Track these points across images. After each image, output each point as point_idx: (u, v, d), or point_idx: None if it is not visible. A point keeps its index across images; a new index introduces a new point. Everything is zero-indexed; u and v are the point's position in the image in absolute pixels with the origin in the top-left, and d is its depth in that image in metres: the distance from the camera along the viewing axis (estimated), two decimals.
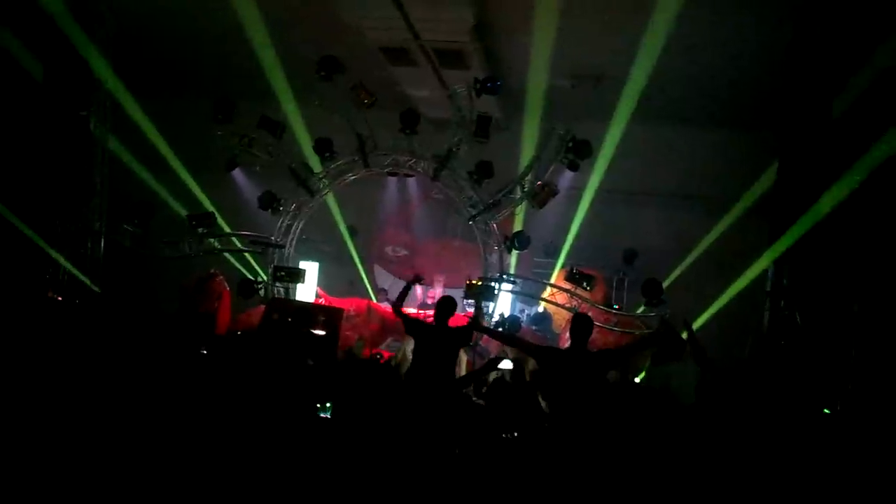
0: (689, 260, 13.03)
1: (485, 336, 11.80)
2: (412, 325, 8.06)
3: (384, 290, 15.18)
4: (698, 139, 14.47)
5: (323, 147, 12.60)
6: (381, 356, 10.42)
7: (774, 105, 10.42)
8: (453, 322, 8.20)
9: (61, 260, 12.04)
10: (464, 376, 8.10)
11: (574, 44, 11.20)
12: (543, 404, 7.20)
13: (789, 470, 5.90)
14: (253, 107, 12.73)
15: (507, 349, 8.67)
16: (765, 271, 10.94)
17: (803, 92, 10.05)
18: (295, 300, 12.30)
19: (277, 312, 10.50)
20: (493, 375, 8.38)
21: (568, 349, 7.04)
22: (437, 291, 14.26)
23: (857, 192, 9.73)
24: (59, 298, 11.85)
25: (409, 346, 8.35)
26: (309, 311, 10.45)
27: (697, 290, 12.20)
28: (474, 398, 8.18)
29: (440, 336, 7.87)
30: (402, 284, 15.00)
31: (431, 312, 10.59)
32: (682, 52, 10.95)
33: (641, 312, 11.82)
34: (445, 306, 8.04)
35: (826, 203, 9.89)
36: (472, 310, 10.38)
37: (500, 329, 11.62)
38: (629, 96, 11.90)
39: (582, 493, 5.25)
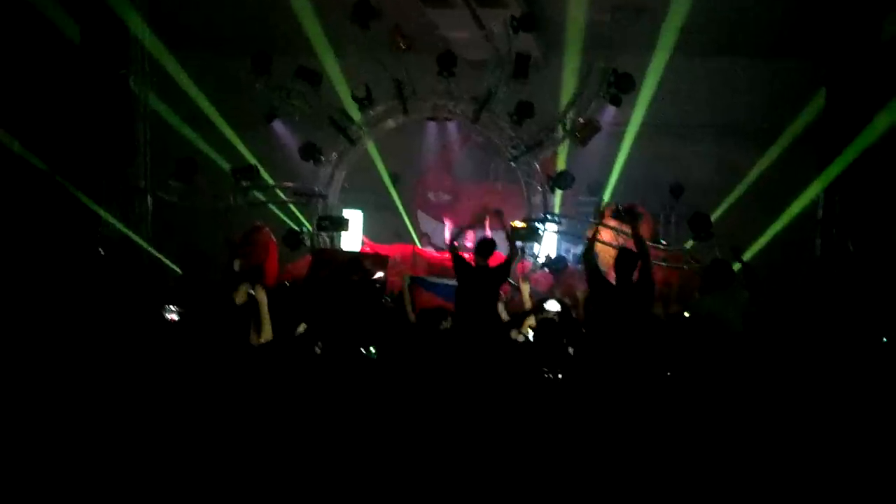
0: (737, 192, 12.80)
1: (532, 275, 11.82)
2: (458, 266, 8.13)
3: (427, 235, 15.21)
4: (743, 69, 14.11)
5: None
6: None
7: (821, 31, 10.10)
8: (493, 262, 8.30)
9: (109, 217, 12.20)
10: (511, 317, 8.13)
11: None
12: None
13: (848, 404, 5.80)
14: (290, 59, 12.71)
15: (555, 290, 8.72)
16: (815, 200, 10.75)
17: (850, 15, 9.72)
18: (340, 249, 12.36)
19: (323, 263, 10.56)
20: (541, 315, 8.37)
21: (615, 284, 7.05)
22: (487, 234, 14.15)
23: None
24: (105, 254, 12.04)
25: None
26: (354, 260, 10.47)
27: (746, 222, 12.01)
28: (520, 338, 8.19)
29: (481, 276, 8.00)
30: (443, 229, 15.22)
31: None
32: None
33: (690, 247, 11.67)
34: (485, 247, 8.15)
35: (877, 127, 9.62)
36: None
37: (551, 269, 11.65)
38: (671, 28, 11.64)
39: (624, 431, 5.23)
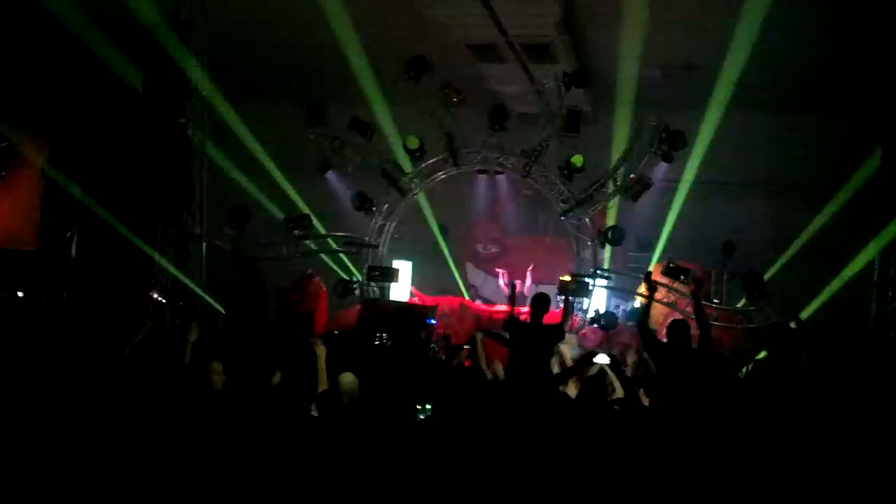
0: (790, 251, 12.60)
1: (581, 330, 11.73)
2: (510, 323, 8.10)
3: (474, 287, 15.23)
4: (796, 126, 13.94)
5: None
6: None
7: (875, 89, 9.99)
8: (548, 318, 8.25)
9: (164, 263, 12.41)
10: (560, 372, 8.04)
11: (664, 33, 10.95)
12: (645, 400, 7.09)
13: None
14: (344, 109, 12.98)
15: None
16: (870, 262, 10.56)
17: None
18: (389, 300, 12.43)
19: (372, 313, 10.63)
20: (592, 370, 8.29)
21: (671, 349, 6.99)
22: (527, 285, 14.09)
23: None
24: (163, 300, 12.24)
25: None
26: (404, 310, 10.52)
27: (800, 282, 11.81)
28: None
29: (535, 333, 7.93)
30: (492, 281, 15.21)
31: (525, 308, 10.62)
32: (777, 39, 10.56)
33: (743, 306, 11.51)
34: (540, 303, 8.07)
35: None
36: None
37: (601, 325, 11.58)
38: (723, 84, 11.58)
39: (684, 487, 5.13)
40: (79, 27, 11.56)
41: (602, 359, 8.11)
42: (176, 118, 11.91)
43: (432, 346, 10.63)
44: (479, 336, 8.58)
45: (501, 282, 14.33)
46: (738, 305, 11.66)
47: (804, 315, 10.76)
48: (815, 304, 11.04)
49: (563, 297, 11.65)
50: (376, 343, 9.96)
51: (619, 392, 7.35)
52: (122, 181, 12.81)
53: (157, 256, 12.51)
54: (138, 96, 12.17)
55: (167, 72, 11.78)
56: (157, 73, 11.88)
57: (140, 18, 11.30)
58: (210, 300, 12.34)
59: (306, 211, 13.10)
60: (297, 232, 12.73)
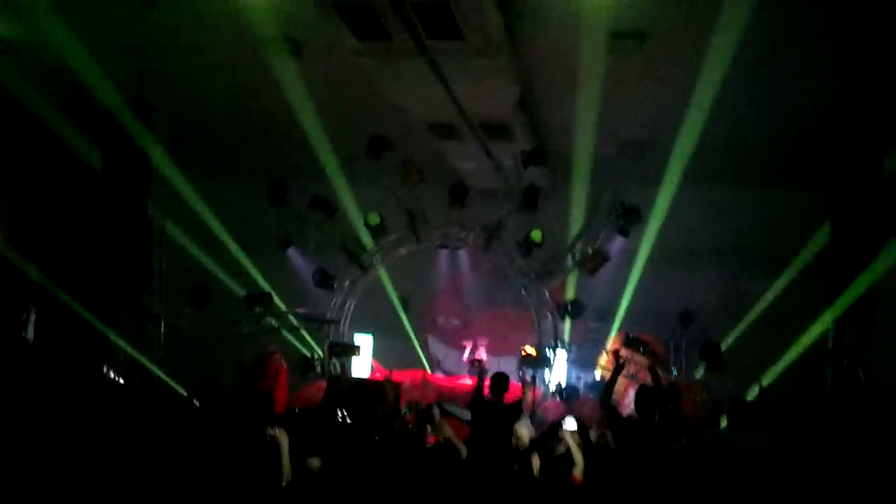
0: (747, 321, 12.82)
1: (543, 404, 11.77)
2: (476, 401, 8.17)
3: (437, 360, 15.25)
4: (750, 198, 14.34)
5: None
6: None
7: (825, 163, 10.31)
8: (510, 393, 8.34)
9: (121, 343, 12.28)
10: (529, 445, 8.10)
11: (618, 112, 11.24)
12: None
13: None
14: (305, 186, 13.06)
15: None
16: (826, 330, 10.76)
17: (852, 150, 9.92)
18: (352, 377, 12.39)
19: (336, 389, 10.58)
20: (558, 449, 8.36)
21: (637, 421, 7.08)
22: (483, 355, 14.13)
23: None
24: (120, 380, 12.07)
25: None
26: (365, 388, 10.48)
27: (756, 351, 11.99)
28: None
29: (496, 412, 8.02)
30: (455, 354, 15.22)
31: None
32: (729, 115, 10.91)
33: (701, 377, 11.64)
34: (500, 382, 8.19)
35: (881, 264, 9.71)
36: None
37: (562, 397, 11.66)
38: (677, 160, 11.89)
39: None
40: (37, 106, 11.59)
41: (570, 424, 8.21)
42: (137, 198, 11.90)
43: (404, 411, 10.57)
44: (436, 412, 8.63)
45: (466, 353, 14.30)
46: (697, 376, 11.77)
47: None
48: (771, 374, 11.22)
49: (522, 372, 11.79)
50: (339, 420, 9.90)
51: (580, 464, 7.43)
52: (80, 261, 12.73)
53: (112, 335, 12.40)
54: (97, 175, 12.17)
55: (127, 151, 11.80)
56: (118, 152, 11.90)
57: (100, 99, 11.36)
58: (167, 380, 12.21)
59: (267, 288, 13.07)
60: (258, 309, 12.68)
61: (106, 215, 11.91)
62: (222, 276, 13.55)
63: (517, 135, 12.07)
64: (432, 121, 11.93)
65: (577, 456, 7.79)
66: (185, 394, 11.99)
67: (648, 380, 11.21)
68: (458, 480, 6.55)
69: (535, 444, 8.02)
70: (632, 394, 7.85)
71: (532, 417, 10.75)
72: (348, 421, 9.81)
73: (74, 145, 12.34)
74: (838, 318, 10.07)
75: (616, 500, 6.47)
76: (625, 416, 7.41)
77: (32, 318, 12.41)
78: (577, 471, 7.53)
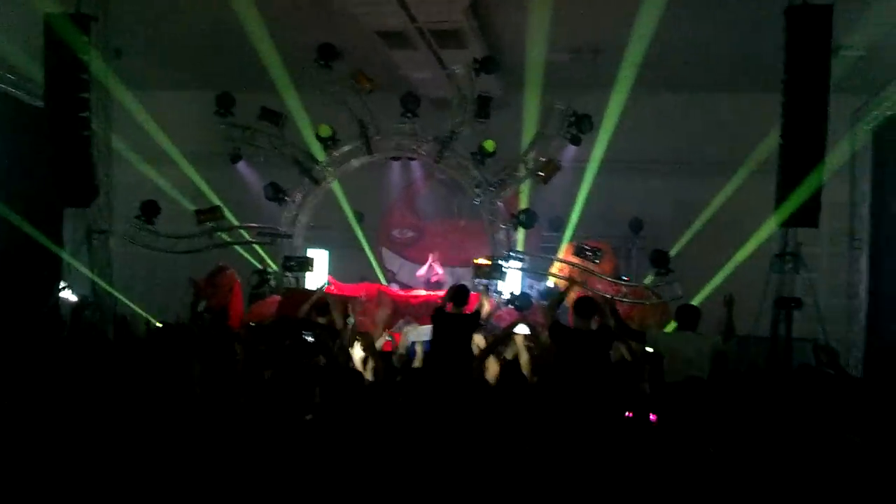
0: (696, 226, 13.02)
1: (497, 312, 11.93)
2: (437, 313, 8.42)
3: (392, 272, 15.34)
4: (700, 104, 14.40)
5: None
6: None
7: (772, 68, 10.34)
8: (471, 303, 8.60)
9: (71, 260, 12.14)
10: (484, 349, 8.29)
11: (570, 17, 11.11)
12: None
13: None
14: (254, 98, 12.82)
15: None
16: (773, 234, 11.00)
17: (802, 54, 9.96)
18: (307, 289, 12.39)
19: (291, 303, 10.55)
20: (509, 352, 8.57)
21: (574, 329, 7.31)
22: (440, 270, 14.25)
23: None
24: (73, 298, 11.98)
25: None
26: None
27: (706, 256, 12.24)
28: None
29: (456, 322, 8.23)
30: (410, 266, 15.31)
31: (440, 293, 10.79)
32: (679, 21, 10.87)
33: (650, 282, 11.86)
34: (460, 294, 8.39)
35: (831, 163, 9.91)
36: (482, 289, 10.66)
37: (515, 306, 11.87)
38: (628, 67, 11.88)
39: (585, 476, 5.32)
40: None
41: (522, 329, 8.45)
42: (78, 111, 11.58)
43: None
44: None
45: (438, 269, 14.31)
46: (646, 281, 11.99)
47: (707, 290, 11.28)
48: (718, 278, 11.49)
49: (478, 280, 11.92)
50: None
51: (525, 364, 7.69)
52: (23, 176, 12.47)
53: (62, 253, 12.25)
54: (39, 89, 11.83)
55: (68, 64, 11.45)
56: (58, 65, 11.54)
57: (39, 9, 10.96)
58: (119, 296, 12.16)
59: (217, 202, 12.93)
60: (209, 224, 12.56)
61: (47, 129, 11.60)
62: (172, 190, 13.37)
63: (469, 42, 11.91)
64: (383, 28, 11.71)
65: (524, 356, 8.08)
66: (137, 311, 12.03)
67: (599, 286, 11.52)
68: (420, 391, 6.65)
69: (487, 349, 8.21)
70: None
71: (486, 326, 10.93)
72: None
73: (14, 59, 11.97)
74: (784, 222, 10.26)
75: (557, 403, 6.68)
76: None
77: None
78: (525, 370, 7.79)
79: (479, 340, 8.75)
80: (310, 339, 8.17)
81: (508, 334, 8.51)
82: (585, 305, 7.43)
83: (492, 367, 8.17)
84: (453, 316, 8.45)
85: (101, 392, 6.52)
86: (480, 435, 5.31)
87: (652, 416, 7.13)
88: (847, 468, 5.16)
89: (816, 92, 9.91)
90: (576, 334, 7.35)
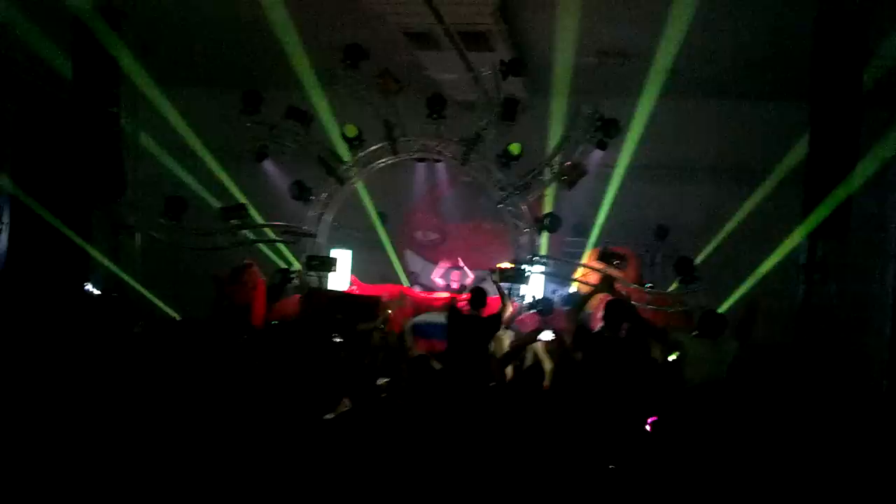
0: (721, 234, 12.89)
1: (519, 317, 11.88)
2: (452, 314, 8.25)
3: (415, 274, 15.30)
4: (728, 112, 14.24)
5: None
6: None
7: (804, 76, 10.23)
8: (487, 308, 8.47)
9: (98, 255, 12.22)
10: (505, 353, 8.25)
11: (599, 21, 11.08)
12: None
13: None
14: (280, 96, 12.87)
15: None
16: (800, 244, 10.86)
17: (833, 63, 9.84)
18: (330, 290, 12.41)
19: (312, 303, 10.58)
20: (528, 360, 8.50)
21: (602, 334, 7.16)
22: (470, 274, 14.18)
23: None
24: (97, 292, 12.08)
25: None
26: (346, 302, 10.49)
27: (732, 265, 12.10)
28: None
29: (473, 325, 8.15)
30: (433, 268, 15.26)
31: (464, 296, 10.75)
32: (709, 27, 10.77)
33: (675, 290, 11.75)
34: (477, 297, 8.31)
35: (858, 176, 9.77)
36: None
37: (538, 311, 11.78)
38: (657, 72, 11.76)
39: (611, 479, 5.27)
40: (6, 14, 11.30)
41: (546, 336, 8.36)
42: (107, 107, 11.68)
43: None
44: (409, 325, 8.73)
45: (469, 273, 14.21)
46: (670, 289, 11.89)
47: (733, 298, 11.14)
48: (744, 288, 11.35)
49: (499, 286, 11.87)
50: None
51: (548, 373, 7.57)
52: (53, 172, 12.56)
53: (90, 249, 12.32)
54: (68, 84, 11.92)
55: (98, 59, 11.55)
56: (88, 60, 11.64)
57: (68, 5, 11.06)
58: (145, 293, 12.22)
59: (243, 200, 12.97)
60: (233, 221, 12.60)
61: (77, 125, 11.70)
62: (197, 187, 13.42)
63: (496, 44, 11.85)
64: (409, 29, 11.69)
65: (546, 365, 7.95)
66: (161, 306, 12.09)
67: (624, 291, 11.40)
68: (434, 393, 6.63)
69: (508, 355, 8.15)
70: None
71: (508, 329, 10.88)
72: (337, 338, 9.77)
73: (44, 53, 12.07)
74: (812, 232, 10.13)
75: (580, 411, 6.59)
76: (597, 330, 7.45)
77: (6, 228, 12.25)
78: (546, 380, 7.68)
79: (505, 340, 8.70)
80: (337, 339, 8.21)
81: (533, 339, 8.42)
82: (617, 310, 7.18)
83: (508, 374, 8.13)
84: (469, 318, 8.36)
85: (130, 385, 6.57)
86: (499, 439, 5.29)
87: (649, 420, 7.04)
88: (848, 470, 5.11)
89: (847, 101, 9.79)
90: (607, 341, 7.11)
